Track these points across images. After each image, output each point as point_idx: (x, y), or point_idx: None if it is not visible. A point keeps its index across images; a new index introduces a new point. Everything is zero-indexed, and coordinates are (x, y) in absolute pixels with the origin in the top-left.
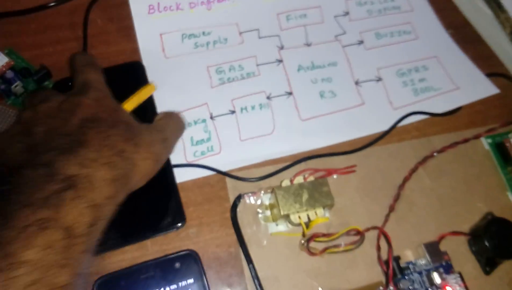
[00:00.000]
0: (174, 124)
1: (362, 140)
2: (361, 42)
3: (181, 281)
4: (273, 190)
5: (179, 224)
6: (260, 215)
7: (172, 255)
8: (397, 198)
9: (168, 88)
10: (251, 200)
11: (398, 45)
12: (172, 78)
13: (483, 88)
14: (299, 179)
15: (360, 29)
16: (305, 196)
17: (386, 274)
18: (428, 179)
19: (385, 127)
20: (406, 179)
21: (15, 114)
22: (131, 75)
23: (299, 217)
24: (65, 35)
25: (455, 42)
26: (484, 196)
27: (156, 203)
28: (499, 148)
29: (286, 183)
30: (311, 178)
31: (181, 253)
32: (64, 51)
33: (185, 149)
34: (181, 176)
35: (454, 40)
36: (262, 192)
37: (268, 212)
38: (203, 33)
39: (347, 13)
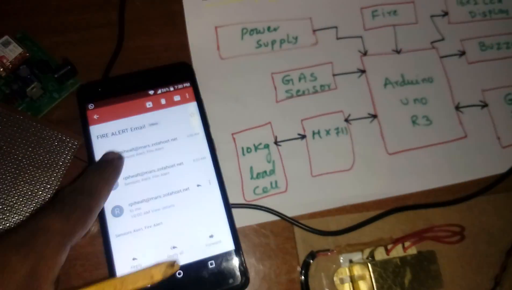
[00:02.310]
0: None
1: (462, 185)
2: (462, 53)
3: None
4: (365, 263)
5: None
6: (336, 281)
7: None
8: (504, 268)
9: (221, 98)
10: (326, 260)
11: (505, 61)
12: (228, 86)
13: None
14: (398, 250)
15: (461, 35)
16: (408, 277)
17: None
18: None
19: (491, 170)
20: None
21: (24, 121)
22: (174, 81)
23: None
24: (95, 19)
25: None
26: None
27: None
28: None
29: (381, 253)
30: (413, 249)
31: None
32: (93, 41)
33: (242, 183)
34: (237, 220)
35: None
36: (343, 254)
37: (347, 279)
38: (268, 28)
39: (446, 13)
